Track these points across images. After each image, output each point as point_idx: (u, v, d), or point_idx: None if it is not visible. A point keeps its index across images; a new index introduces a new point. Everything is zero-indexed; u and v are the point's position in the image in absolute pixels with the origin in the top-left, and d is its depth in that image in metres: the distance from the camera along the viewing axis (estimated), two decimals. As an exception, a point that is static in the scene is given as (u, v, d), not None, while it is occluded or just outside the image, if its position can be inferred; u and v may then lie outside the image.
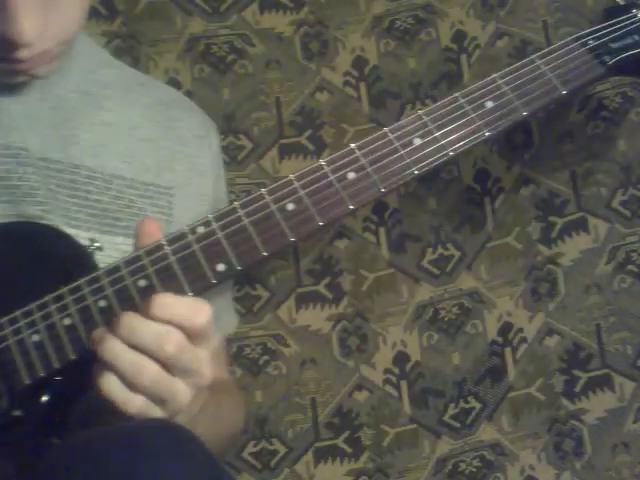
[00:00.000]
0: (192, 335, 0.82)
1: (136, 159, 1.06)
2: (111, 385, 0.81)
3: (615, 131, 1.95)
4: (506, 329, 1.91)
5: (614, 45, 0.91)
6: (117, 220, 1.03)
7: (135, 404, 0.81)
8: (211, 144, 1.15)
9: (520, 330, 1.91)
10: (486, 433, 1.89)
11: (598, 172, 1.95)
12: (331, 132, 1.87)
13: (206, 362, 0.84)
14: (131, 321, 0.81)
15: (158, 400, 0.82)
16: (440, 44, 1.94)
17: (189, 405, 0.85)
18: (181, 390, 0.83)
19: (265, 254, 0.86)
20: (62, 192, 1.00)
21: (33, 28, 0.86)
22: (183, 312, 0.81)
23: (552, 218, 1.93)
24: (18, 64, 0.92)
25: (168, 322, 0.81)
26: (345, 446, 1.84)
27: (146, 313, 0.82)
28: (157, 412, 0.83)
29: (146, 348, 0.81)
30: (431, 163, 0.85)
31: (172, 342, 0.81)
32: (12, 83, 0.99)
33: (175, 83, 1.79)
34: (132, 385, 0.81)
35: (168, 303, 0.81)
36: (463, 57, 1.94)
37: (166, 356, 0.81)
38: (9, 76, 0.96)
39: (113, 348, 0.81)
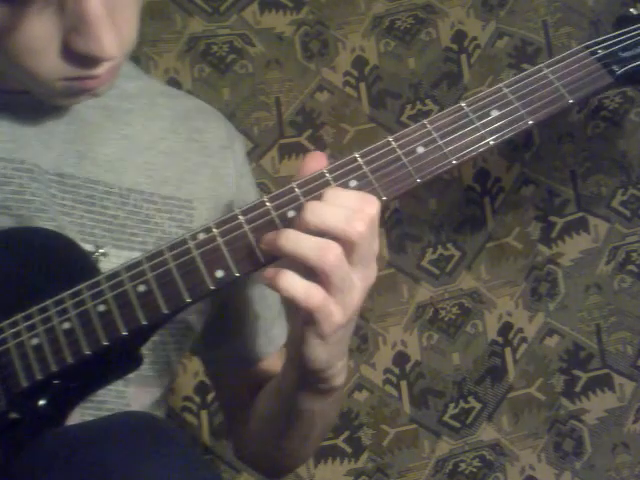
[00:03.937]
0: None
1: (156, 172, 1.04)
2: (293, 279, 0.80)
3: (615, 131, 1.95)
4: (506, 329, 1.91)
5: (623, 54, 0.88)
6: (133, 235, 1.01)
7: (318, 295, 0.81)
8: (236, 155, 1.13)
9: (520, 330, 1.91)
10: (486, 433, 1.89)
11: (598, 172, 1.95)
12: (331, 132, 1.87)
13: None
14: (313, 206, 0.81)
15: (336, 291, 0.81)
16: (440, 44, 1.94)
17: (345, 328, 0.85)
18: (355, 281, 0.82)
19: (264, 261, 0.85)
20: (78, 207, 0.99)
21: (114, 41, 0.84)
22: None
23: (552, 218, 1.93)
24: (90, 81, 0.89)
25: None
26: (345, 446, 1.84)
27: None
28: (336, 309, 0.82)
29: (332, 229, 0.80)
30: (434, 171, 0.84)
31: (362, 220, 0.80)
32: (63, 104, 0.98)
33: (175, 83, 1.79)
34: (316, 269, 0.80)
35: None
36: (463, 57, 1.94)
37: (357, 235, 0.80)
38: (73, 97, 0.93)
39: (294, 235, 0.80)
